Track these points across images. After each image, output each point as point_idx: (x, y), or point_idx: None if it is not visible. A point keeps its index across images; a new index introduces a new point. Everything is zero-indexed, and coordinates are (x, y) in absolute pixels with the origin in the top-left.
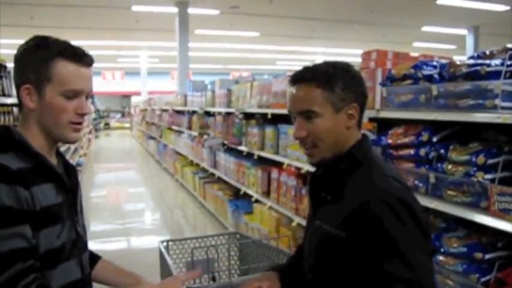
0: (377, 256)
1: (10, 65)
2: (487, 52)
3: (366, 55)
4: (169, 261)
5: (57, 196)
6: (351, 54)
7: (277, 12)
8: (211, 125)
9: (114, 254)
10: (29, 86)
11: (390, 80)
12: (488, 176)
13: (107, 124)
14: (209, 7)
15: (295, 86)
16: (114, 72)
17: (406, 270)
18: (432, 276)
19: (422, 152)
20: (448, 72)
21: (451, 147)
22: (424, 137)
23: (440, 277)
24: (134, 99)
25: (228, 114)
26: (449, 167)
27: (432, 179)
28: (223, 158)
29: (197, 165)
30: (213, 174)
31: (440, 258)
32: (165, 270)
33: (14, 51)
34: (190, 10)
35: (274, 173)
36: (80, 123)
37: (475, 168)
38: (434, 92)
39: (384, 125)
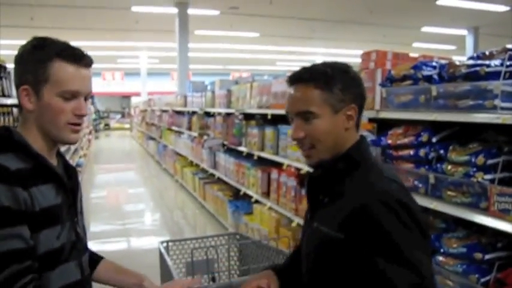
0: (378, 258)
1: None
2: (487, 53)
3: (366, 56)
4: (169, 262)
5: (56, 197)
6: (350, 55)
7: (277, 13)
8: (211, 125)
9: (114, 254)
10: (27, 87)
11: (390, 80)
12: (488, 177)
13: (106, 125)
14: (209, 8)
15: (293, 86)
16: (114, 73)
17: (410, 273)
18: (433, 278)
19: (422, 152)
20: (448, 73)
21: (451, 147)
22: (424, 137)
23: (440, 277)
24: (134, 100)
25: (228, 114)
26: (449, 167)
27: (432, 180)
28: (223, 158)
29: (197, 165)
30: (212, 175)
31: (440, 258)
32: (165, 271)
33: (14, 52)
34: (190, 11)
35: (274, 174)
36: (78, 125)
37: (474, 169)
38: (434, 93)
39: (383, 126)
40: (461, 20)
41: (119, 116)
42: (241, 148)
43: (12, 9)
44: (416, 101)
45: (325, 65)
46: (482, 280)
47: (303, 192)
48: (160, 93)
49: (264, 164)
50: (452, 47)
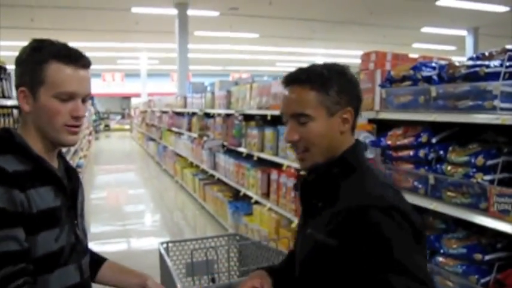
0: (376, 266)
1: (10, 67)
2: (486, 53)
3: (365, 56)
4: (169, 263)
5: (55, 199)
6: (350, 56)
7: (276, 14)
8: (211, 126)
9: (114, 255)
10: (24, 88)
11: (389, 81)
12: (488, 177)
13: (107, 126)
14: (208, 9)
15: (288, 87)
16: (114, 74)
17: (410, 281)
18: (432, 282)
19: (421, 153)
20: (447, 74)
21: (450, 148)
22: (424, 138)
23: (440, 278)
24: (134, 101)
25: (228, 115)
26: (449, 168)
27: (431, 180)
28: (223, 159)
29: (197, 166)
30: (212, 176)
31: (440, 259)
32: (165, 272)
33: (14, 53)
34: (190, 12)
35: (274, 175)
36: (76, 126)
37: (474, 170)
38: (434, 93)
39: (383, 126)
40: (461, 20)
41: (119, 117)
42: (241, 149)
43: (12, 11)
44: (416, 102)
45: (322, 66)
46: (482, 281)
47: None
48: (160, 94)
49: (264, 164)
50: (452, 48)
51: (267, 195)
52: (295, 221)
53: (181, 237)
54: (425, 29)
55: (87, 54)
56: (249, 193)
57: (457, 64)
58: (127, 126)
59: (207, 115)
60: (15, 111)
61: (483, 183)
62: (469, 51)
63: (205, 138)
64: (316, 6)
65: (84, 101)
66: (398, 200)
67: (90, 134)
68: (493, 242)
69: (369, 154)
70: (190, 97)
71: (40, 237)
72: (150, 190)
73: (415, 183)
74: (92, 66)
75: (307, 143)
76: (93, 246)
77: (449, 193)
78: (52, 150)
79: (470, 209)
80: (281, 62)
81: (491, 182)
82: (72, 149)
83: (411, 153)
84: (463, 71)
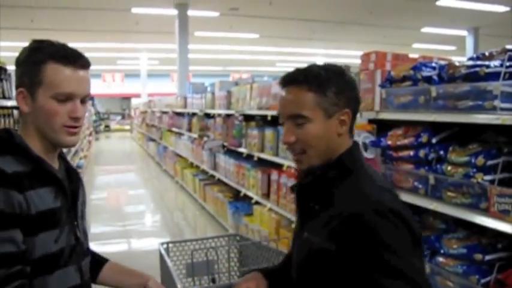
0: (374, 270)
1: (10, 67)
2: (486, 53)
3: (365, 57)
4: (170, 263)
5: (55, 200)
6: (350, 56)
7: (276, 14)
8: (211, 127)
9: (115, 256)
10: (23, 89)
11: (389, 81)
12: (488, 177)
13: (107, 126)
14: (209, 9)
15: (285, 88)
16: (114, 75)
17: (408, 285)
18: (431, 286)
19: (421, 153)
20: (447, 74)
21: (451, 148)
22: (424, 138)
23: (440, 278)
24: (134, 102)
25: (228, 116)
26: (449, 168)
27: (432, 180)
28: (223, 159)
29: (197, 167)
30: (213, 176)
31: (440, 259)
32: (165, 272)
33: (15, 54)
34: (190, 12)
35: (274, 175)
36: (74, 127)
37: (474, 170)
38: (434, 94)
39: (383, 127)
40: (461, 20)
41: (119, 118)
42: (241, 149)
43: (12, 11)
44: (416, 102)
45: (319, 67)
46: (483, 281)
47: None
48: (160, 94)
49: (264, 165)
50: (453, 48)
51: (267, 195)
52: None
53: (182, 237)
54: (425, 29)
55: (87, 54)
56: (249, 193)
57: (457, 64)
58: (127, 127)
59: (207, 115)
60: (15, 112)
61: (483, 184)
62: (469, 51)
63: (205, 138)
64: (316, 7)
65: (83, 101)
66: (395, 203)
67: (90, 134)
68: (494, 242)
69: (369, 154)
70: (190, 97)
71: (39, 238)
72: (151, 190)
73: (415, 183)
74: (92, 67)
75: (304, 145)
76: (94, 246)
77: (449, 193)
78: (52, 151)
79: (471, 209)
80: (281, 63)
81: (492, 182)
82: (73, 149)
83: (411, 153)
84: (463, 71)
